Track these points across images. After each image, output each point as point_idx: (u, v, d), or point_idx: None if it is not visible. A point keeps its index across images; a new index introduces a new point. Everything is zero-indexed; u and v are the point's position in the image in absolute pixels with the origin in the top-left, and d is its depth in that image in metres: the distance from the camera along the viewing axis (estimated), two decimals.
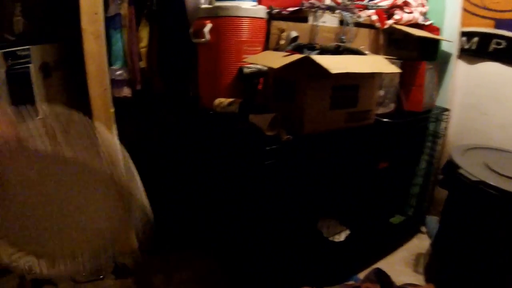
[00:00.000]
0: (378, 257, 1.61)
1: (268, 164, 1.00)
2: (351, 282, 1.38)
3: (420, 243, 1.76)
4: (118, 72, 1.32)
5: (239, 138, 1.13)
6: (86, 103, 1.22)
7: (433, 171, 1.79)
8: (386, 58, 1.16)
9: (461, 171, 1.24)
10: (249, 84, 1.17)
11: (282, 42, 1.19)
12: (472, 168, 1.24)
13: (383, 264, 1.55)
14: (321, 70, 0.89)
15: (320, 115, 1.06)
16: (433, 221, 1.83)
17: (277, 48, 1.20)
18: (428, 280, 1.49)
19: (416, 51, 1.54)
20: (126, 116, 1.33)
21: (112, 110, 1.27)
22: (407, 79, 1.45)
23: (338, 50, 1.14)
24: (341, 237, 1.46)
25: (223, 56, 1.18)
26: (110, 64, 1.30)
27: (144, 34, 1.33)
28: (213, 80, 1.22)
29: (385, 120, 1.30)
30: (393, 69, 1.14)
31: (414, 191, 1.78)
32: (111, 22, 1.28)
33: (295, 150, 1.06)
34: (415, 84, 1.47)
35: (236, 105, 1.11)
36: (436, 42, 1.68)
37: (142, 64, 1.34)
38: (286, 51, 1.10)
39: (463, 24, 1.65)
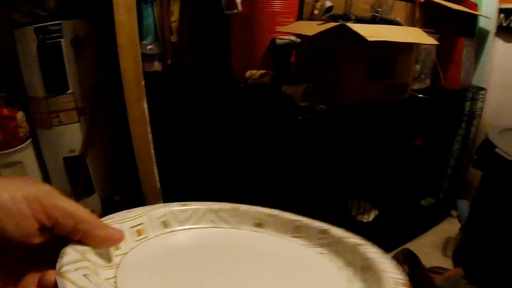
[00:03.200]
0: (406, 239, 1.58)
1: (301, 135, 0.98)
2: None
3: (450, 227, 1.72)
4: (149, 47, 1.32)
5: (272, 108, 1.12)
6: (118, 76, 1.23)
7: (467, 153, 1.73)
8: (424, 31, 1.12)
9: (497, 150, 1.19)
10: (281, 56, 1.14)
11: (316, 12, 1.16)
12: (510, 147, 1.19)
13: (412, 246, 1.51)
14: (358, 39, 0.86)
15: (357, 86, 1.03)
16: (464, 205, 1.78)
17: (311, 18, 1.17)
18: (456, 264, 1.45)
19: (454, 26, 1.47)
20: (157, 90, 1.33)
21: (143, 83, 1.27)
22: (444, 55, 1.40)
23: (374, 20, 1.10)
24: (370, 217, 1.43)
25: (255, 27, 1.16)
26: (141, 39, 1.29)
27: (175, 8, 1.31)
28: (245, 51, 1.20)
29: (421, 95, 1.26)
30: (431, 40, 1.09)
31: (446, 173, 1.73)
32: None
33: (329, 122, 1.04)
34: (453, 61, 1.42)
35: (269, 76, 1.09)
36: (474, 18, 1.61)
37: (173, 38, 1.33)
38: (321, 19, 1.07)
39: (501, 0, 1.57)
